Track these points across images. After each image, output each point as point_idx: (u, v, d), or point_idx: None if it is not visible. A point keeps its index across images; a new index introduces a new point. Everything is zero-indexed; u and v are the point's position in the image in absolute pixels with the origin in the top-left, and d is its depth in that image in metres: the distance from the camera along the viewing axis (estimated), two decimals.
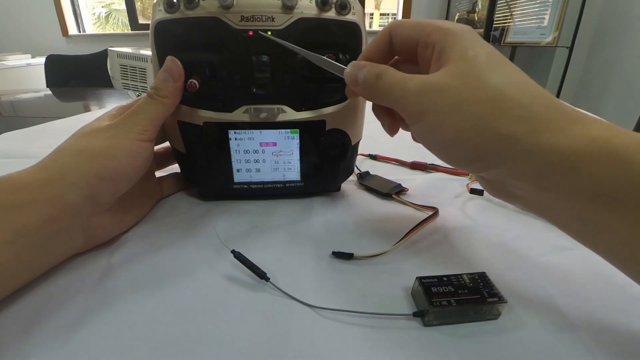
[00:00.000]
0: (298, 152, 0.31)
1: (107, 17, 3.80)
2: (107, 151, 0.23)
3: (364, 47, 0.28)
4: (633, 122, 0.80)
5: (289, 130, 0.30)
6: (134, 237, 0.27)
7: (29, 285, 0.22)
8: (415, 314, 0.20)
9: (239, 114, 0.28)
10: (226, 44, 0.26)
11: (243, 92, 0.27)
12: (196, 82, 0.26)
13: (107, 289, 0.22)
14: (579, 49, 1.86)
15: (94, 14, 3.26)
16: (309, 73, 0.28)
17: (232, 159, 0.30)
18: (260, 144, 0.30)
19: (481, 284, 0.20)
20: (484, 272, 0.21)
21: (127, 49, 0.76)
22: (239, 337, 0.19)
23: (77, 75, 1.56)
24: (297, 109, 0.28)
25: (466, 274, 0.21)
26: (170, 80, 0.25)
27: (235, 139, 0.29)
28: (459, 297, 0.19)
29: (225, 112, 0.28)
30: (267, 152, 0.31)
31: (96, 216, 0.24)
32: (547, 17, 1.77)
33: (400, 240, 0.26)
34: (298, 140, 0.30)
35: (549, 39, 1.80)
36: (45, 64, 1.58)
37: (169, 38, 0.26)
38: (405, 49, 0.23)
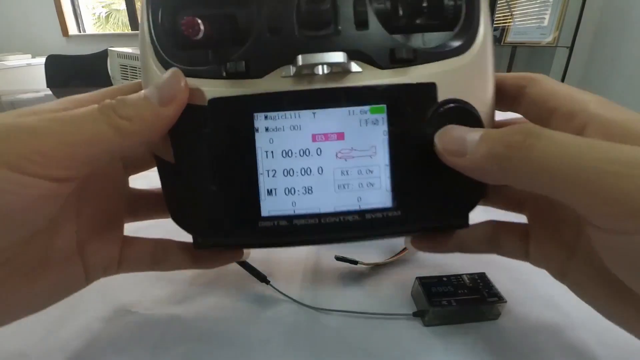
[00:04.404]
0: (387, 150, 0.15)
1: (107, 17, 3.79)
2: None
3: None
4: None
5: (367, 106, 0.15)
6: None
7: None
8: (415, 314, 0.20)
9: (275, 80, 0.15)
10: None
11: (281, 40, 0.15)
12: (200, 23, 0.15)
13: (107, 289, 0.22)
14: (579, 49, 1.85)
15: (94, 14, 3.26)
16: None
17: (259, 170, 0.15)
18: (314, 137, 0.15)
19: (481, 284, 0.20)
20: (484, 272, 0.21)
21: (127, 49, 0.76)
22: (239, 337, 0.19)
23: (77, 75, 1.56)
24: (383, 65, 0.15)
25: (466, 274, 0.21)
26: (154, 100, 0.14)
27: (267, 128, 0.15)
28: (459, 297, 0.19)
29: (250, 78, 0.15)
30: (327, 152, 0.15)
31: None
32: (547, 17, 1.77)
33: (401, 252, 0.25)
34: (386, 127, 0.15)
35: (549, 39, 1.80)
36: (45, 64, 1.58)
37: None
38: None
